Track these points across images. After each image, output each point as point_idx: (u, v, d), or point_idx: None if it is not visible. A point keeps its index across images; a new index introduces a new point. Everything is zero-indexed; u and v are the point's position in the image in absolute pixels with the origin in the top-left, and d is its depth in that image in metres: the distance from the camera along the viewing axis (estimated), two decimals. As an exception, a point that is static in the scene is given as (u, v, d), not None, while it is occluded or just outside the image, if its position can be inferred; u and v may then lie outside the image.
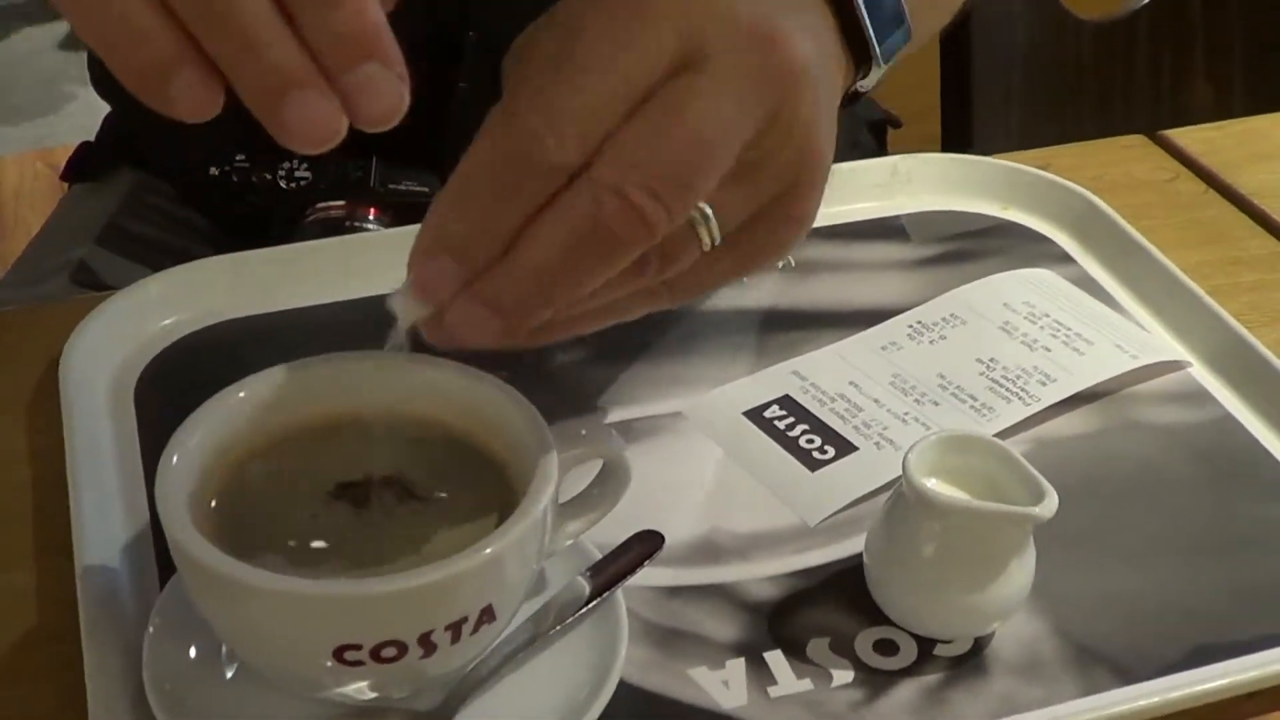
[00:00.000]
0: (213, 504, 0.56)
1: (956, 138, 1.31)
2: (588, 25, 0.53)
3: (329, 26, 0.47)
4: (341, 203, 0.94)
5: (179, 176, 1.03)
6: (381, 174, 0.94)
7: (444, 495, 0.57)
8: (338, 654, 0.52)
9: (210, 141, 0.96)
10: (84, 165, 1.08)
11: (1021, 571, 0.61)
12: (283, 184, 0.95)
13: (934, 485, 0.61)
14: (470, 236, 0.52)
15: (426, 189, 0.94)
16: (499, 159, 0.52)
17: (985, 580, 0.60)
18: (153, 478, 0.55)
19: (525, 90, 0.52)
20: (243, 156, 0.95)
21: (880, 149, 1.14)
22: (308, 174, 0.95)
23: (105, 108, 1.09)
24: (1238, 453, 0.73)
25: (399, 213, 0.94)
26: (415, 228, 0.86)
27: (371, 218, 0.93)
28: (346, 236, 0.83)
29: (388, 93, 0.48)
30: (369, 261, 0.82)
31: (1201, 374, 0.78)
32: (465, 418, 0.60)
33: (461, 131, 0.99)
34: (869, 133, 1.13)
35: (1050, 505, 0.59)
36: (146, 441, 0.71)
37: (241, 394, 0.59)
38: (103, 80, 1.06)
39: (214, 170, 0.96)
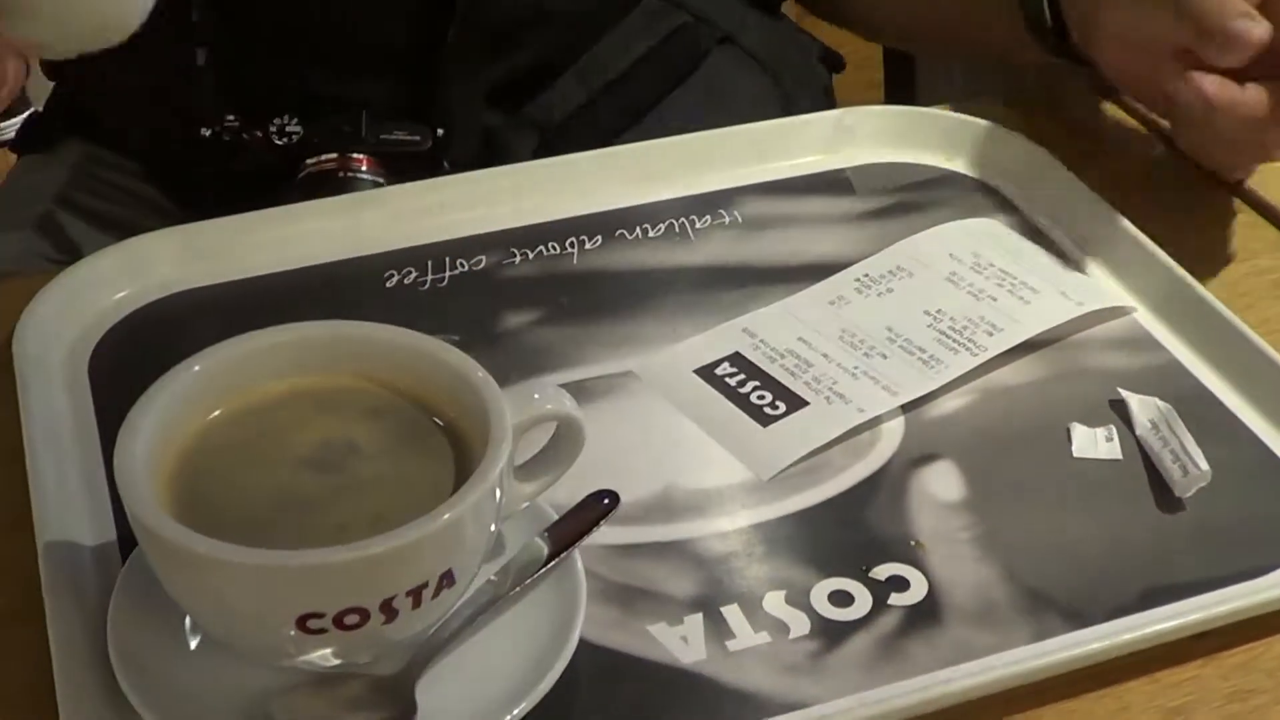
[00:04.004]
0: (172, 478, 0.57)
1: (899, 87, 1.31)
2: None
3: None
4: (334, 156, 0.94)
5: (148, 150, 1.02)
6: (372, 125, 0.94)
7: (401, 462, 0.58)
8: (300, 623, 0.53)
9: (181, 112, 0.96)
10: (33, 135, 1.07)
11: None
12: (275, 140, 0.95)
13: None
14: None
15: (418, 137, 0.94)
16: None
17: None
18: (110, 452, 0.56)
19: None
20: (233, 116, 0.95)
21: (828, 91, 1.14)
22: (299, 129, 0.95)
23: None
24: (1183, 397, 0.74)
25: (391, 163, 0.94)
26: (357, 195, 0.86)
27: (365, 169, 0.94)
28: (293, 205, 0.83)
29: None
30: (318, 228, 0.82)
31: (1147, 319, 0.79)
32: (420, 384, 0.60)
33: (450, 81, 1.00)
34: (822, 65, 1.13)
35: None
36: (103, 416, 0.71)
37: (197, 367, 0.59)
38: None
39: (205, 131, 0.96)
